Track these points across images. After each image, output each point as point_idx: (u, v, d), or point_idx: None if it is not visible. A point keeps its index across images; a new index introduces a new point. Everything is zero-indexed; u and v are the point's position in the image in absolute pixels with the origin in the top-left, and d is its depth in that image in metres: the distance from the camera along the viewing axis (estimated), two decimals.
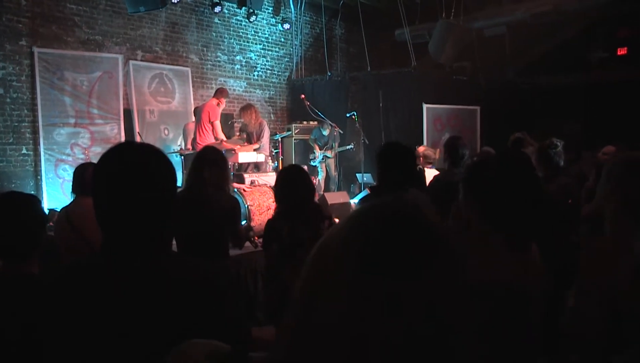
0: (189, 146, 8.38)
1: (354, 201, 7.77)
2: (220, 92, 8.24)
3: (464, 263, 0.81)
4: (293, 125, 10.91)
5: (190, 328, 1.32)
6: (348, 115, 10.05)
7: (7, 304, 1.93)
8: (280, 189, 3.67)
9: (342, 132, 10.09)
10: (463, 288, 0.79)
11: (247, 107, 8.26)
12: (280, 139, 10.14)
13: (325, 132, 10.02)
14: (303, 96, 10.01)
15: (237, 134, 9.75)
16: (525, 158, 3.68)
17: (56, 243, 3.74)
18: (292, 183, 3.60)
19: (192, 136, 8.48)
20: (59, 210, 6.88)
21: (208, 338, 1.32)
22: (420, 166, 5.13)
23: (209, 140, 7.79)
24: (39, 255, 2.18)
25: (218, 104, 8.01)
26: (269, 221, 3.64)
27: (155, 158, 1.46)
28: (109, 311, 1.33)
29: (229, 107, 10.84)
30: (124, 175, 1.40)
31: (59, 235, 3.77)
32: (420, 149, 6.14)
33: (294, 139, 10.74)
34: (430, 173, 5.49)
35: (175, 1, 9.49)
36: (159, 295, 1.35)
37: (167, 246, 1.49)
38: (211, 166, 3.76)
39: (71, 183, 3.98)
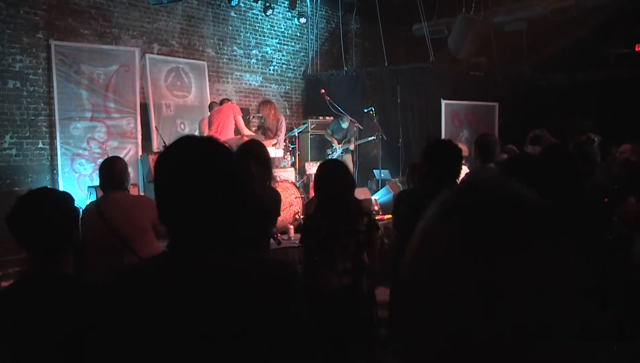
0: None
1: (375, 197, 7.66)
2: (226, 100, 8.59)
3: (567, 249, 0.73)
4: (309, 120, 10.81)
5: (260, 328, 1.27)
6: (366, 110, 9.94)
7: (50, 305, 1.85)
8: (318, 184, 3.65)
9: (361, 128, 9.98)
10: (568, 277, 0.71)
11: (266, 102, 8.29)
12: (296, 135, 10.06)
13: (345, 125, 9.86)
14: (323, 90, 9.91)
15: (253, 129, 9.70)
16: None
17: (85, 240, 3.68)
18: (330, 177, 3.56)
19: (207, 132, 8.45)
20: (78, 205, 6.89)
21: (276, 341, 1.26)
22: None
23: (229, 136, 7.82)
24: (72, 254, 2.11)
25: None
26: (308, 217, 3.62)
27: (218, 151, 1.40)
28: (180, 312, 1.27)
29: (245, 102, 10.80)
30: (186, 170, 1.34)
31: (89, 230, 3.72)
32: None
33: (310, 135, 10.63)
34: (462, 170, 5.40)
35: None
36: (229, 294, 1.29)
37: (239, 242, 1.41)
38: (258, 160, 3.69)
39: (99, 181, 3.94)
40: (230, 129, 7.98)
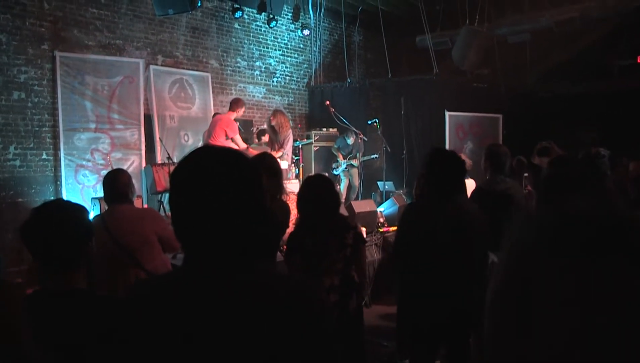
0: None
1: (380, 209, 7.62)
2: (235, 104, 8.11)
3: None
4: (313, 132, 10.80)
5: (284, 348, 1.20)
6: (369, 122, 9.92)
7: (65, 322, 1.81)
8: (304, 200, 3.49)
9: (366, 139, 9.95)
10: None
11: (280, 112, 8.16)
12: (300, 147, 10.03)
13: (350, 141, 9.88)
14: (328, 102, 9.90)
15: (256, 140, 9.67)
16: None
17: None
18: (317, 194, 3.44)
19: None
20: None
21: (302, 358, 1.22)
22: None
23: None
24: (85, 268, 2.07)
25: (235, 118, 7.95)
26: (292, 233, 3.50)
27: (239, 162, 1.32)
28: (202, 333, 1.21)
29: (249, 113, 10.76)
30: (205, 181, 1.25)
31: (96, 242, 3.69)
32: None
33: (314, 147, 10.62)
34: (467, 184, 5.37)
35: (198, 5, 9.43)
36: (254, 313, 1.21)
37: (260, 259, 1.34)
38: (270, 173, 3.59)
39: (103, 193, 3.90)
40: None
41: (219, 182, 1.26)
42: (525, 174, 4.79)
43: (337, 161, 10.08)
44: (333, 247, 3.34)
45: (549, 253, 0.71)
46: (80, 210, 2.06)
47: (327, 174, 9.49)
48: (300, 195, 3.53)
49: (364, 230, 6.44)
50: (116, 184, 3.77)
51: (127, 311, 1.32)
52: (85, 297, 1.90)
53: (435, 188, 3.29)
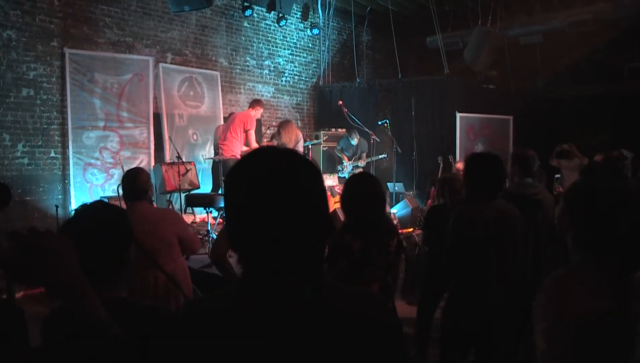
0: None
1: (393, 211, 7.52)
2: (256, 102, 8.17)
3: None
4: (321, 132, 10.70)
5: None
6: (380, 123, 9.81)
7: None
8: (349, 199, 3.28)
9: (378, 140, 9.83)
10: None
11: (286, 125, 7.94)
12: (309, 147, 9.93)
13: (354, 142, 9.74)
14: (341, 102, 9.79)
15: (266, 141, 9.58)
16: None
17: None
18: (363, 193, 3.22)
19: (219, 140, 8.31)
20: None
21: None
22: None
23: (236, 147, 7.66)
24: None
25: (254, 114, 7.91)
26: (336, 235, 3.34)
27: (306, 165, 1.19)
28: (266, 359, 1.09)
29: None
30: (275, 184, 1.12)
31: None
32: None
33: (322, 147, 10.52)
34: None
35: None
36: (330, 339, 1.10)
37: (322, 273, 1.21)
38: None
39: (122, 191, 3.85)
40: (235, 141, 7.81)
41: (292, 186, 1.13)
42: (557, 176, 4.70)
43: (343, 163, 9.91)
44: (377, 253, 3.17)
45: None
46: (121, 214, 1.96)
47: (336, 175, 9.41)
48: (346, 194, 3.32)
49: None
50: (137, 182, 3.72)
51: (178, 330, 1.18)
52: (129, 307, 1.79)
53: (478, 193, 3.27)
